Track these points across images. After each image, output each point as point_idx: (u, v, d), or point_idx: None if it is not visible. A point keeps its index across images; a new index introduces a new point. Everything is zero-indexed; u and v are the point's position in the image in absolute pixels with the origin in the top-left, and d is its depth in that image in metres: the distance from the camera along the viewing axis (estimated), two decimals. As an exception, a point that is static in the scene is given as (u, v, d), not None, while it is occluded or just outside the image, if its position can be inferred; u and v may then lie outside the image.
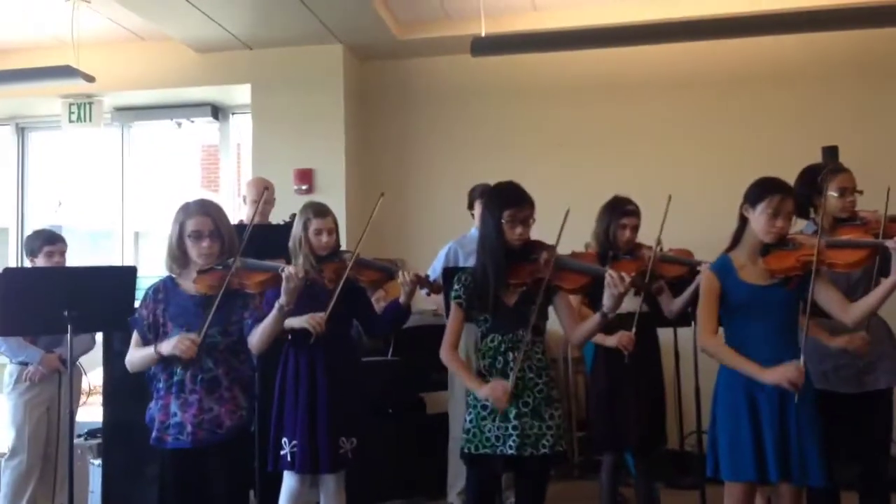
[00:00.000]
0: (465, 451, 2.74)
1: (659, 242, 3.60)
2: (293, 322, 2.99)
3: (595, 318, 2.72)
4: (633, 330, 3.37)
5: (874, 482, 3.34)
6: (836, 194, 3.27)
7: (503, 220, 2.72)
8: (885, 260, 2.82)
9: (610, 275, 2.59)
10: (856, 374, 3.23)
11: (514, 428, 2.66)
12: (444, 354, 2.81)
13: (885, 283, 2.66)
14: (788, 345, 2.69)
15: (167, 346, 2.67)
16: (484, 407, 2.72)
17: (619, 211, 3.62)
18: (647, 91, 5.93)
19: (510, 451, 2.65)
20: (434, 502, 4.60)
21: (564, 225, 2.74)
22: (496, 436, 2.68)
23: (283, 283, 2.67)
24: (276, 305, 2.68)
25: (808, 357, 2.87)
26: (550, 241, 2.80)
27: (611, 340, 3.42)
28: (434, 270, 4.17)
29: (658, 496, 4.47)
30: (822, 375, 3.17)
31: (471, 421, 2.74)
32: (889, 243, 2.68)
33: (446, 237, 4.52)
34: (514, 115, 6.12)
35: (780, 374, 2.60)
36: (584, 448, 5.32)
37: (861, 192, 3.33)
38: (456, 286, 2.82)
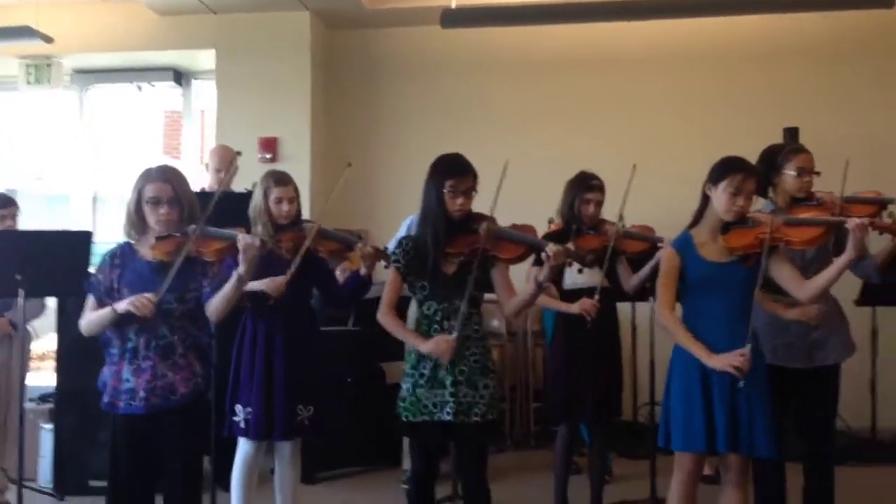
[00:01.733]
0: (404, 419, 2.77)
1: (622, 218, 3.64)
2: (253, 285, 2.98)
3: (529, 290, 2.76)
4: (596, 297, 3.40)
5: (819, 455, 3.44)
6: (794, 174, 3.32)
7: (445, 191, 2.73)
8: (840, 238, 2.87)
9: (549, 249, 2.63)
10: (806, 350, 3.31)
11: (451, 395, 2.70)
12: (382, 316, 2.83)
13: (839, 261, 2.71)
14: (744, 321, 2.73)
15: (123, 304, 2.63)
16: (421, 375, 2.74)
17: (584, 186, 3.65)
18: (614, 67, 5.95)
19: (447, 418, 2.69)
20: (390, 470, 4.64)
21: (500, 188, 2.75)
22: (433, 403, 2.71)
23: (240, 253, 2.65)
24: (234, 274, 2.66)
25: (762, 332, 2.94)
26: (516, 216, 2.81)
27: (574, 307, 3.46)
28: (396, 242, 4.16)
29: (611, 465, 4.59)
30: (774, 351, 3.23)
31: (407, 389, 2.77)
32: (846, 222, 2.73)
33: (411, 209, 4.48)
34: (484, 89, 6.10)
35: (725, 361, 2.66)
36: (540, 419, 5.39)
37: (818, 174, 3.39)
38: (396, 251, 2.85)
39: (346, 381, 4.77)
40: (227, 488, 3.39)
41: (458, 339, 2.70)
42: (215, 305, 2.71)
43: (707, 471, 3.64)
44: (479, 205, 2.85)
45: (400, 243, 2.89)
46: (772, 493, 3.42)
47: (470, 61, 6.11)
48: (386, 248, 3.34)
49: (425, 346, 2.73)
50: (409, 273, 2.81)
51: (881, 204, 3.36)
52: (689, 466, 2.83)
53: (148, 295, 2.61)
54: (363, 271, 3.17)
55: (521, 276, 2.98)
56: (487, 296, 2.87)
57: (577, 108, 5.98)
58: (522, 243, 2.80)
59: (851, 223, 2.69)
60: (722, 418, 2.73)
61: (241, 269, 2.65)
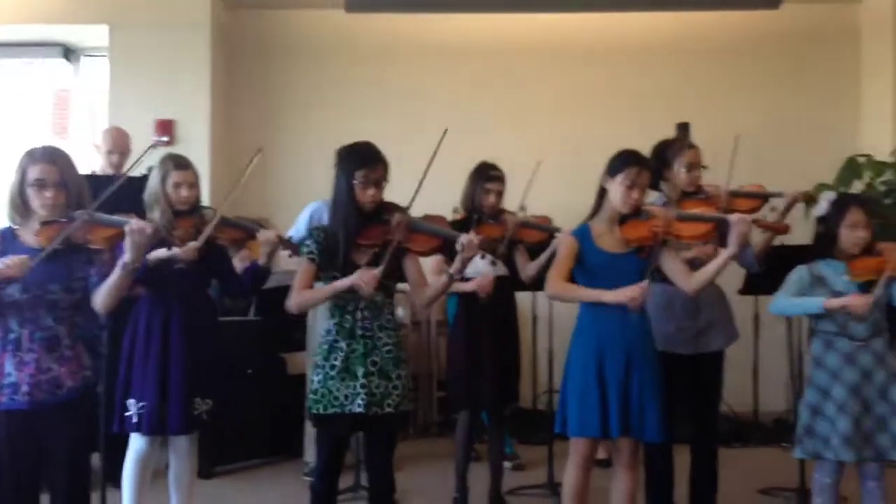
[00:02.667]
0: (314, 411, 2.74)
1: (521, 208, 3.71)
2: (159, 253, 2.89)
3: (441, 280, 2.78)
4: (493, 276, 3.44)
5: (705, 437, 3.62)
6: (683, 169, 3.47)
7: (355, 181, 2.71)
8: (725, 232, 3.02)
9: (461, 239, 2.65)
10: (693, 336, 3.47)
11: (363, 387, 2.68)
12: (294, 299, 2.77)
13: (723, 255, 2.85)
14: (634, 313, 2.83)
15: None
16: (332, 367, 2.72)
17: (484, 176, 3.71)
18: (516, 59, 6.03)
19: (358, 410, 2.67)
20: (292, 462, 4.59)
21: (420, 188, 2.74)
22: (345, 395, 2.69)
23: (128, 239, 2.53)
24: (120, 263, 2.55)
25: (652, 321, 3.06)
26: (421, 205, 2.81)
27: (469, 285, 3.49)
28: (297, 231, 4.11)
29: (514, 451, 4.69)
30: (664, 337, 3.37)
31: (319, 381, 2.74)
32: (731, 218, 2.87)
33: (313, 197, 4.45)
34: (388, 76, 6.07)
35: (622, 294, 2.74)
36: (443, 407, 5.45)
37: (706, 167, 3.56)
38: (308, 242, 2.81)
39: (247, 372, 4.68)
40: (118, 486, 3.27)
41: (381, 274, 2.64)
42: (101, 296, 2.59)
43: (601, 455, 3.77)
44: (392, 194, 2.83)
45: (311, 234, 2.84)
46: (660, 474, 3.58)
47: (374, 47, 6.07)
48: (289, 238, 3.29)
49: (348, 281, 2.66)
50: (320, 263, 2.77)
51: (764, 198, 3.56)
52: (584, 451, 2.93)
53: (22, 257, 2.45)
54: (262, 260, 3.11)
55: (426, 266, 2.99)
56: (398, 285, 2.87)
57: (480, 98, 6.03)
58: (437, 235, 2.81)
59: (734, 219, 2.83)
60: (615, 404, 2.83)
61: (126, 257, 2.54)
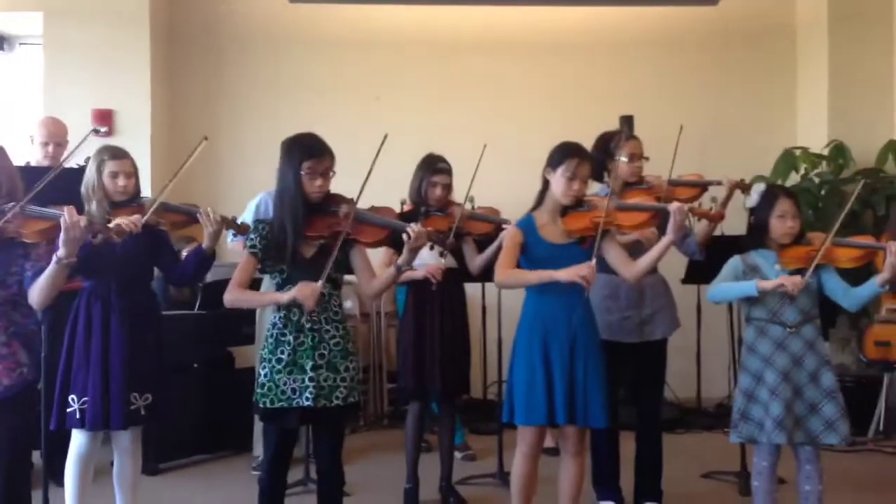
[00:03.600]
0: (261, 405, 2.71)
1: (469, 199, 3.73)
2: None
3: (390, 272, 2.78)
4: (443, 260, 3.46)
5: (649, 423, 3.70)
6: (625, 160, 3.54)
7: (302, 173, 2.68)
8: (665, 220, 3.08)
9: (410, 231, 2.65)
10: (637, 325, 3.54)
11: (311, 380, 2.66)
12: (230, 293, 2.73)
13: (661, 243, 2.92)
14: (580, 297, 2.87)
15: None
16: (279, 360, 2.69)
17: (431, 169, 3.71)
18: (464, 52, 6.05)
19: (306, 403, 2.66)
20: (240, 456, 4.55)
21: (367, 181, 2.73)
22: (292, 388, 2.67)
23: (62, 233, 2.46)
24: (54, 257, 2.48)
25: (597, 311, 3.11)
26: (369, 196, 2.79)
27: (419, 272, 3.49)
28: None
29: (462, 442, 4.72)
30: (608, 326, 3.44)
31: (265, 375, 2.71)
32: (669, 207, 2.93)
33: (261, 189, 4.40)
34: (334, 67, 6.03)
35: (572, 272, 2.78)
36: (394, 399, 5.45)
37: (647, 159, 3.63)
38: (252, 236, 2.76)
39: (193, 366, 4.61)
40: (61, 484, 3.19)
41: (323, 288, 2.62)
42: (37, 291, 2.51)
43: (550, 443, 3.83)
44: (339, 186, 2.81)
45: (256, 227, 2.80)
46: (606, 460, 3.65)
47: (319, 38, 6.02)
48: (234, 218, 3.21)
49: (287, 296, 2.65)
50: (266, 257, 2.74)
51: (703, 186, 3.65)
52: (531, 439, 2.97)
53: None
54: (206, 244, 3.04)
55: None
56: (347, 277, 2.86)
57: (426, 89, 6.03)
58: (385, 227, 2.79)
59: (672, 208, 2.89)
60: (561, 392, 2.87)
61: (61, 251, 2.47)
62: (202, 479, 4.32)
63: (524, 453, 2.99)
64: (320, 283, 2.62)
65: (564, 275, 2.79)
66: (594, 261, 2.80)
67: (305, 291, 2.62)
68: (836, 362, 4.36)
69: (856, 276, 3.08)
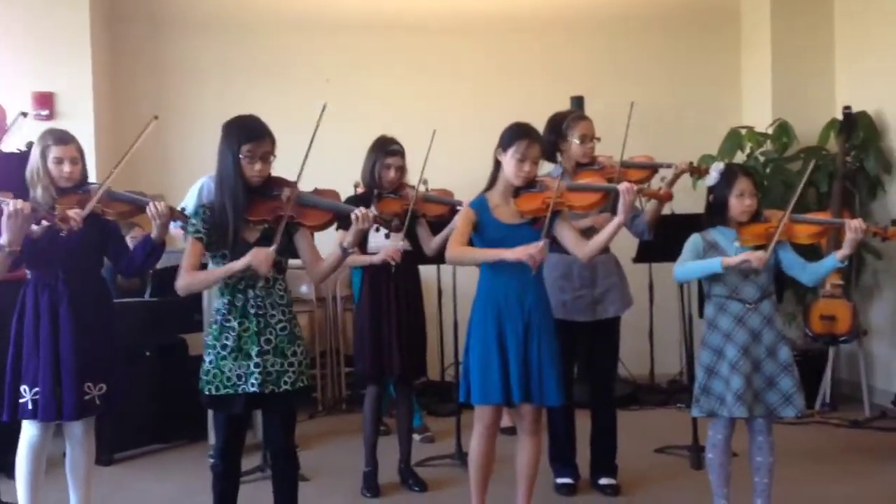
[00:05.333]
0: (206, 392, 2.68)
1: (423, 181, 3.72)
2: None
3: (335, 254, 2.75)
4: (401, 244, 3.46)
5: (604, 401, 3.77)
6: (577, 141, 3.57)
7: (241, 156, 2.64)
8: (616, 201, 3.13)
9: (356, 213, 2.64)
10: (590, 304, 3.59)
11: (256, 366, 2.64)
12: (181, 279, 2.69)
13: (612, 223, 2.95)
14: (532, 276, 2.90)
15: None
16: (224, 346, 2.66)
17: (383, 151, 3.69)
18: (415, 32, 6.01)
19: (252, 389, 2.63)
20: (196, 445, 4.50)
21: (306, 160, 2.69)
22: (237, 374, 2.64)
23: (3, 220, 2.39)
24: None
25: (550, 289, 3.15)
26: (320, 179, 2.76)
27: (377, 257, 3.49)
28: (187, 207, 3.99)
29: (421, 424, 4.74)
30: (562, 305, 3.49)
31: (210, 362, 2.68)
32: (619, 187, 2.97)
33: (207, 172, 4.33)
34: (283, 49, 5.94)
35: (520, 251, 2.80)
36: (351, 383, 5.44)
37: (599, 139, 3.66)
38: (194, 220, 2.72)
39: (145, 354, 4.54)
40: (12, 476, 3.12)
41: (275, 253, 2.59)
42: None
43: (507, 422, 3.87)
44: (281, 169, 2.78)
45: (197, 212, 2.76)
46: (562, 438, 3.72)
47: (267, 18, 5.91)
48: (183, 209, 3.17)
49: (241, 262, 2.60)
50: (209, 242, 2.70)
51: (654, 168, 3.70)
52: (488, 418, 3.00)
53: None
54: (155, 234, 2.99)
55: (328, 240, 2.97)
56: (295, 261, 2.83)
57: (378, 71, 5.98)
58: (328, 210, 2.77)
59: (622, 188, 2.93)
60: (516, 371, 2.90)
61: (3, 239, 2.40)
62: (157, 468, 4.27)
63: (481, 433, 3.02)
64: (272, 248, 2.59)
65: (512, 254, 2.82)
66: (543, 241, 2.83)
67: (260, 256, 2.58)
68: (783, 337, 4.48)
69: (802, 252, 3.16)
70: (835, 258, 2.98)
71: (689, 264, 3.07)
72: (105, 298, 3.17)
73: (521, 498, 3.08)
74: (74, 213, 2.76)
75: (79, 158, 3.03)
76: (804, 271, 3.08)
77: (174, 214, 2.93)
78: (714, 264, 3.00)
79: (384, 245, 3.60)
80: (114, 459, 4.29)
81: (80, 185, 3.02)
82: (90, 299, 3.02)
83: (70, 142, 3.02)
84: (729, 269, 2.99)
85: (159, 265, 3.55)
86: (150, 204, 2.92)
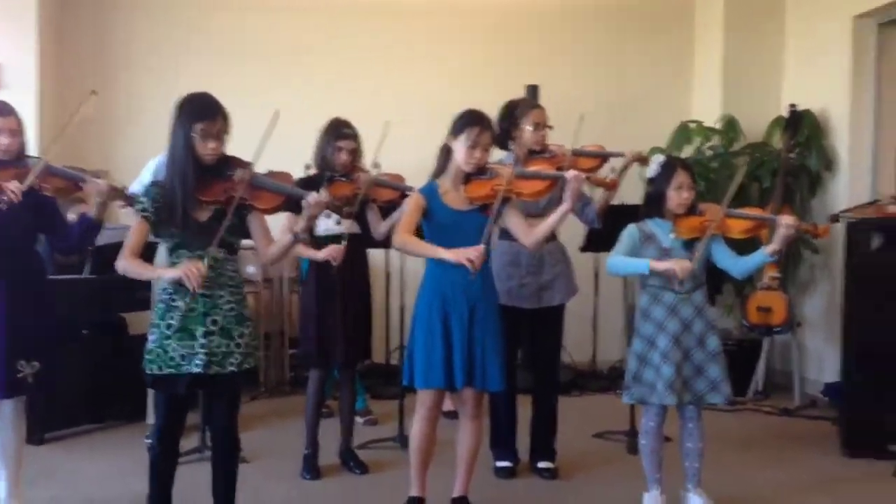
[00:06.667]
0: (148, 371, 2.64)
1: (375, 165, 3.71)
2: None
3: (287, 239, 2.74)
4: (344, 244, 3.46)
5: (546, 387, 3.82)
6: (530, 128, 3.59)
7: (194, 134, 2.59)
8: (564, 189, 3.15)
9: (308, 198, 2.63)
10: (536, 291, 3.63)
11: (202, 346, 2.61)
12: (122, 261, 2.64)
13: (558, 210, 2.98)
14: (469, 278, 2.90)
15: None
16: (168, 326, 2.62)
17: (336, 134, 3.67)
18: (372, 16, 5.93)
19: (196, 370, 2.60)
20: (133, 425, 4.42)
21: (263, 145, 2.64)
22: (181, 355, 2.61)
23: None
24: None
25: (497, 276, 3.17)
26: (272, 162, 2.72)
27: (320, 254, 3.50)
28: (140, 184, 3.92)
29: (364, 407, 4.74)
30: (508, 292, 3.51)
31: (154, 341, 2.64)
32: (566, 175, 3.00)
33: (159, 150, 4.22)
34: (236, 28, 5.81)
35: (460, 254, 2.83)
36: (295, 365, 5.41)
37: (552, 128, 3.69)
38: (143, 199, 2.67)
39: (82, 332, 4.44)
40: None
41: (206, 268, 2.56)
42: None
43: (449, 406, 3.90)
44: (236, 149, 2.73)
45: (147, 191, 2.70)
46: (503, 423, 3.76)
47: (223, -2, 5.80)
48: (124, 188, 3.11)
49: (171, 273, 2.58)
50: (158, 222, 2.64)
51: (604, 157, 3.74)
52: (429, 402, 3.02)
53: None
54: (93, 212, 2.92)
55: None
56: (247, 241, 2.80)
57: (334, 53, 5.90)
58: (281, 193, 2.74)
59: (569, 176, 2.96)
60: (459, 356, 2.93)
61: None
62: (91, 448, 4.19)
63: (423, 416, 3.04)
64: (204, 264, 2.56)
65: (452, 256, 2.84)
66: (483, 246, 2.84)
67: (191, 270, 2.54)
68: (721, 327, 4.57)
69: (737, 246, 3.23)
70: (764, 252, 3.06)
71: (620, 261, 3.12)
72: (40, 274, 3.09)
73: (460, 480, 3.12)
74: (14, 186, 2.69)
75: (18, 131, 2.95)
76: (735, 265, 3.15)
77: (115, 194, 2.87)
78: (642, 265, 3.05)
79: (331, 227, 3.59)
80: (45, 439, 4.19)
81: (18, 159, 2.93)
82: (24, 275, 2.95)
83: (8, 113, 2.93)
84: (654, 272, 3.04)
85: (102, 242, 3.48)
86: (89, 181, 2.85)
